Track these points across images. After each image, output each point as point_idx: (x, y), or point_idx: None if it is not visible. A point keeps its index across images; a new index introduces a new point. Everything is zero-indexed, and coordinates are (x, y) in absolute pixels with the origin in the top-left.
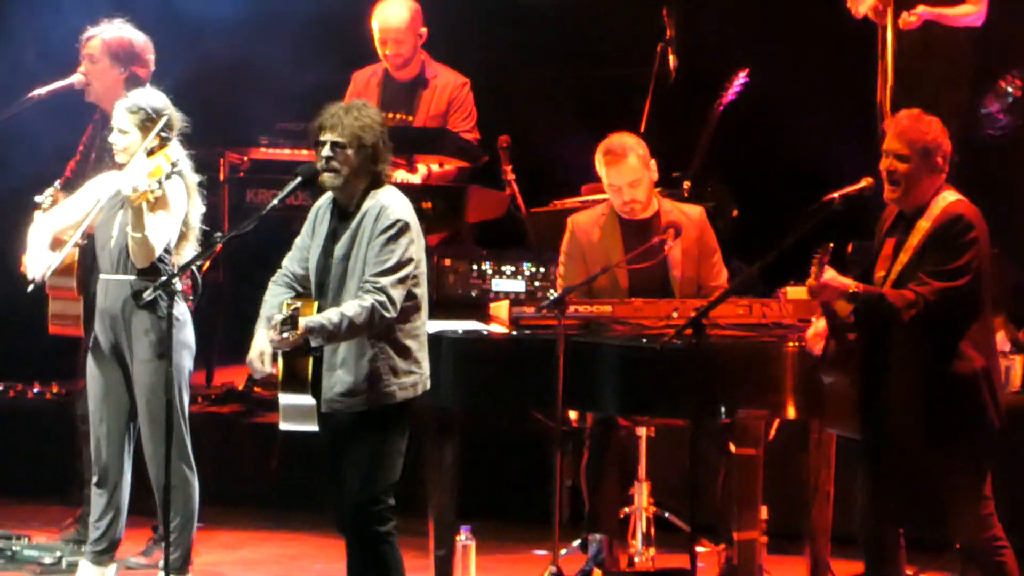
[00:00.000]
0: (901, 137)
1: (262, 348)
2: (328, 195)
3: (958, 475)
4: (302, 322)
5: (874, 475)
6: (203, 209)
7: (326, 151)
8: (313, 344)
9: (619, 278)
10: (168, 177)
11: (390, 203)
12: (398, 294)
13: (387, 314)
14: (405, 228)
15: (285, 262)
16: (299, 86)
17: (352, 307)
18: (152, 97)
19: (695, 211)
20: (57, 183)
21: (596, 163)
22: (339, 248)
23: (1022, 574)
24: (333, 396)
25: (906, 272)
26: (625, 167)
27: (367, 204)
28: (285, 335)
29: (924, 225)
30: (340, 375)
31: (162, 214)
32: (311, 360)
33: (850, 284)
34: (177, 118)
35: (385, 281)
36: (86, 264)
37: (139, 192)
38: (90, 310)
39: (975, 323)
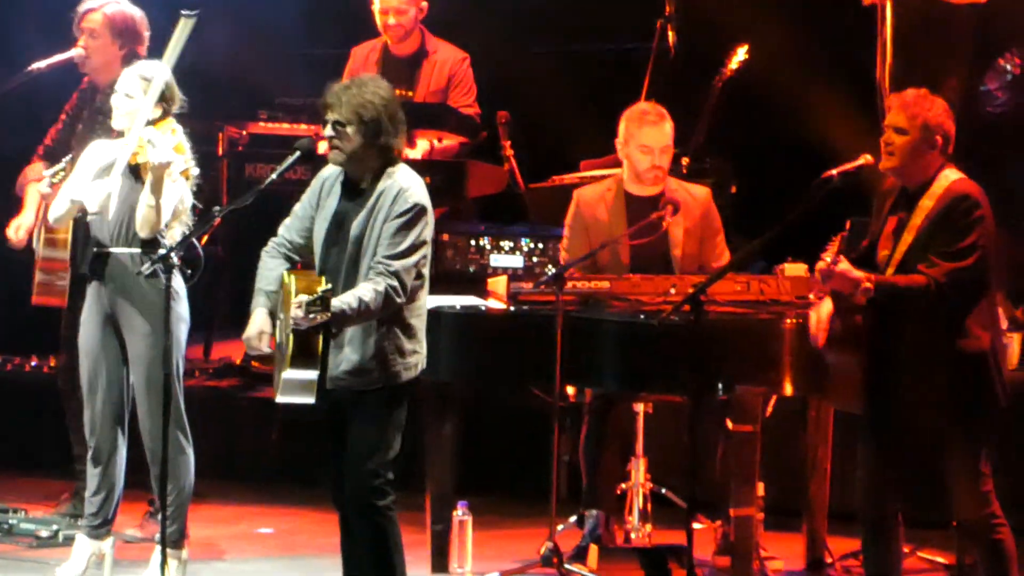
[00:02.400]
0: (903, 111)
1: (262, 327)
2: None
3: (960, 452)
4: (334, 304)
5: (877, 452)
6: (193, 189)
7: (328, 130)
8: (334, 330)
9: (621, 255)
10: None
11: (408, 185)
12: (409, 278)
13: (398, 299)
14: (422, 212)
15: (282, 231)
16: (299, 60)
17: (368, 291)
18: (162, 70)
19: (701, 191)
20: (68, 158)
21: (629, 123)
22: (354, 228)
23: (1020, 552)
24: (339, 374)
25: (912, 252)
26: (663, 131)
27: (384, 183)
28: (313, 315)
29: (928, 204)
30: (347, 353)
31: (176, 189)
32: (322, 337)
33: (862, 277)
34: (179, 97)
35: (398, 265)
36: (79, 237)
37: (174, 168)
38: (79, 283)
39: (982, 301)
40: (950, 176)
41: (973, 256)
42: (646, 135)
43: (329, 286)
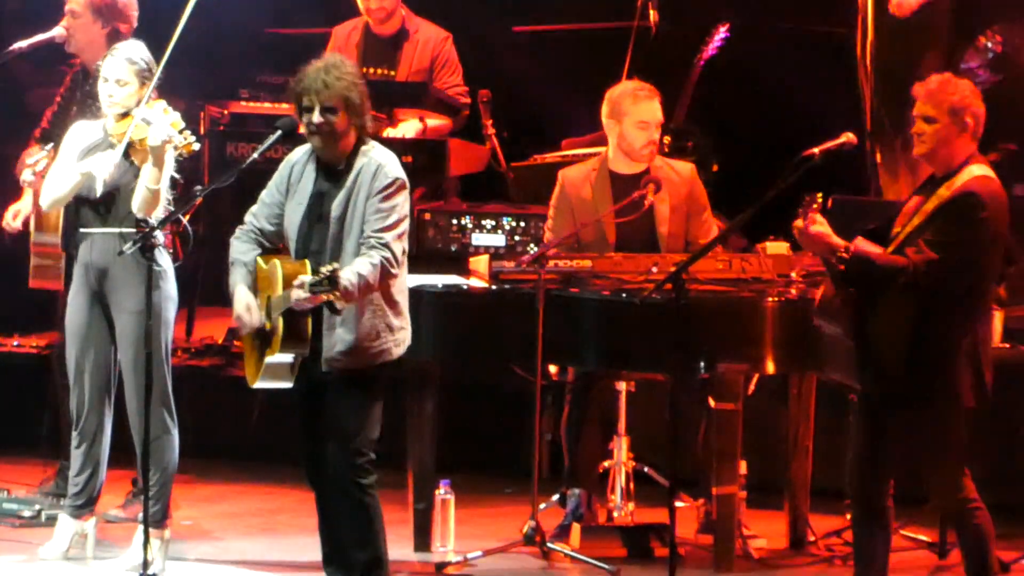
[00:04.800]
0: (928, 100)
1: (248, 301)
2: (303, 150)
3: (935, 440)
4: (343, 280)
5: (870, 429)
6: None
7: (316, 117)
8: (339, 306)
9: (607, 233)
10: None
11: (386, 161)
12: (399, 250)
13: (393, 270)
14: (403, 186)
15: (249, 218)
16: (280, 39)
17: (365, 266)
18: (144, 50)
19: (685, 168)
20: (49, 146)
21: (622, 100)
22: (335, 209)
23: (996, 530)
24: (334, 355)
25: (913, 235)
26: (656, 106)
27: (360, 161)
28: (318, 293)
29: (944, 193)
30: (340, 334)
31: (169, 169)
32: (311, 318)
33: (840, 244)
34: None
35: (389, 237)
36: (70, 220)
37: (175, 144)
38: (69, 264)
39: (973, 294)
40: (974, 171)
41: (960, 253)
42: (643, 111)
43: (335, 264)
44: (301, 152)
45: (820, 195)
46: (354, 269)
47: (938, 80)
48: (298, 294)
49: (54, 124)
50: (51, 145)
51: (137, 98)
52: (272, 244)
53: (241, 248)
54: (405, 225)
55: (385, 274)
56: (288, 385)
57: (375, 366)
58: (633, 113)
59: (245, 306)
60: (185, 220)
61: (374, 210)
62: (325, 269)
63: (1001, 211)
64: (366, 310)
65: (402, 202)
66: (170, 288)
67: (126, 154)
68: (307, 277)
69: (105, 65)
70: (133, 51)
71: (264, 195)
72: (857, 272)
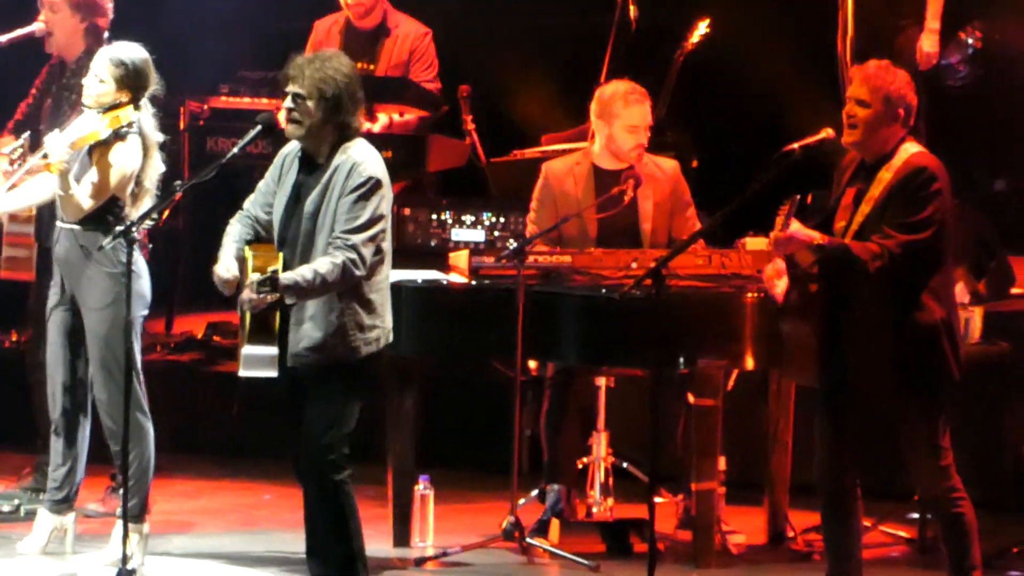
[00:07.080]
0: (864, 83)
1: (228, 263)
2: (297, 143)
3: (917, 426)
4: (283, 280)
5: (834, 425)
6: (162, 169)
7: (287, 102)
8: (288, 302)
9: (588, 229)
10: (119, 137)
11: (363, 159)
12: (368, 252)
13: (357, 272)
14: (377, 186)
15: (247, 204)
16: (260, 34)
17: (324, 264)
18: (136, 54)
19: (669, 164)
20: (25, 135)
21: (613, 102)
22: (309, 204)
23: (981, 526)
24: (300, 351)
25: (868, 223)
26: (647, 109)
27: (338, 158)
28: (262, 295)
29: (886, 176)
30: (307, 330)
31: (98, 173)
32: (279, 313)
33: (815, 236)
34: (154, 79)
35: (356, 239)
36: (44, 212)
37: (47, 162)
38: (45, 257)
39: (937, 274)
40: (910, 149)
41: (928, 229)
42: (633, 115)
43: (278, 267)
44: (296, 144)
45: (798, 196)
46: (311, 266)
47: (876, 65)
48: (248, 295)
49: (28, 116)
50: (28, 134)
51: (113, 98)
52: (266, 232)
53: (235, 228)
54: (380, 225)
55: (348, 275)
56: (272, 374)
57: (345, 363)
58: (624, 116)
59: (225, 266)
60: (160, 221)
61: (345, 209)
62: (269, 270)
63: (947, 180)
64: (335, 308)
65: (377, 202)
66: (140, 286)
67: (89, 153)
68: (256, 276)
69: (95, 59)
70: (121, 52)
71: (260, 184)
72: (834, 262)
